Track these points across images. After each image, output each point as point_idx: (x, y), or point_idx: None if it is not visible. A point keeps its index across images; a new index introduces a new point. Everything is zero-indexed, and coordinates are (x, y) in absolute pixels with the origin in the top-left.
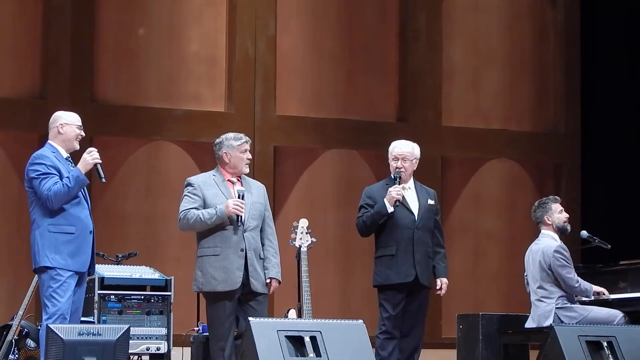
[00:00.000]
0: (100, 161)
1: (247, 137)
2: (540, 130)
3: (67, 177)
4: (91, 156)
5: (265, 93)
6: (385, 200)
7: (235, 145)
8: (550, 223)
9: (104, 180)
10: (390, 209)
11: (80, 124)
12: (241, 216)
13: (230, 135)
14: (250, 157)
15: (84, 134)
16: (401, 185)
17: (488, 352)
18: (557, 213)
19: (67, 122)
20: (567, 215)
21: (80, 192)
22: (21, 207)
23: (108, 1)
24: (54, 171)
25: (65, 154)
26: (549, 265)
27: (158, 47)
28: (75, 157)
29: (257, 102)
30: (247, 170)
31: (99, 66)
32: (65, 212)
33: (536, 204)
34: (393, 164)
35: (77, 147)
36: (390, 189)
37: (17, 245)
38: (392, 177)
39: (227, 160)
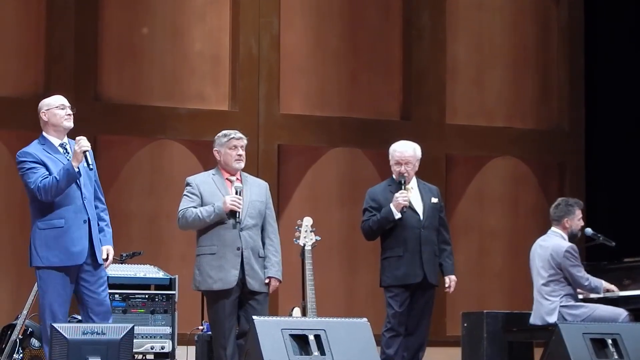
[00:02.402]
0: (89, 149)
1: (237, 133)
2: (544, 128)
3: (59, 170)
4: (79, 146)
5: (269, 91)
6: (391, 206)
7: (224, 142)
8: (567, 227)
9: (91, 167)
10: (398, 215)
11: (63, 102)
12: (239, 212)
13: (222, 132)
14: (241, 153)
15: (70, 112)
16: (407, 190)
17: (492, 350)
18: (577, 219)
19: (47, 107)
20: (583, 223)
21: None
22: (25, 206)
23: (111, 0)
24: (40, 166)
25: (57, 142)
26: (559, 264)
27: (162, 45)
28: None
29: (261, 101)
30: (239, 166)
31: (102, 65)
32: (53, 206)
33: (561, 203)
34: (396, 169)
35: (69, 125)
36: (396, 195)
37: (21, 245)
38: (397, 180)
39: (218, 158)
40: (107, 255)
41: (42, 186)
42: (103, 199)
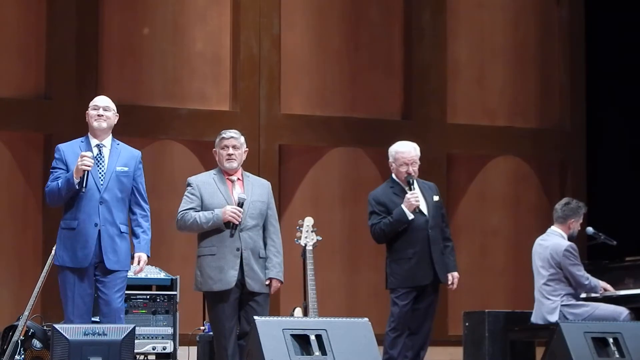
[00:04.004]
0: (89, 168)
1: (228, 132)
2: (545, 127)
3: (63, 177)
4: (81, 162)
5: (270, 91)
6: (403, 207)
7: (217, 142)
8: (571, 228)
9: (83, 190)
10: (411, 216)
11: (96, 103)
12: (237, 224)
13: (220, 132)
14: (231, 152)
15: (101, 113)
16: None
17: (494, 349)
18: (580, 222)
19: (88, 109)
20: (580, 228)
21: (92, 183)
22: (27, 207)
23: (112, 1)
24: (61, 165)
25: (95, 142)
26: (559, 263)
27: (162, 46)
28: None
29: (262, 101)
30: (229, 166)
31: (103, 66)
32: (72, 207)
33: (571, 202)
34: (402, 170)
35: (97, 125)
36: (407, 196)
37: (23, 246)
38: (406, 181)
39: (216, 158)
40: (139, 261)
41: (47, 191)
42: (144, 205)
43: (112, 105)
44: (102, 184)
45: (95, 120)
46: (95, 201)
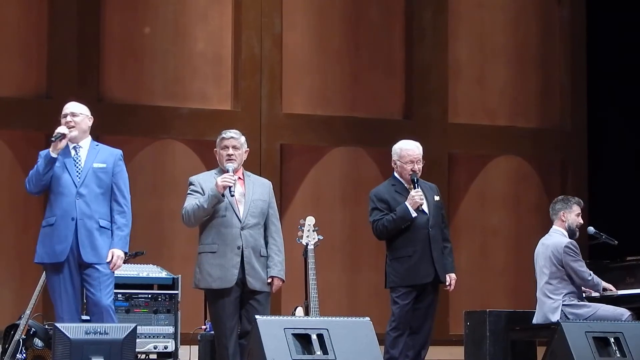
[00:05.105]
0: (61, 132)
1: (228, 133)
2: (546, 127)
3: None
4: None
5: (271, 91)
6: (407, 204)
7: (217, 142)
8: (564, 220)
9: (52, 139)
10: (414, 214)
11: (65, 111)
12: (231, 187)
13: (221, 132)
14: (231, 152)
15: (69, 120)
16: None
17: (495, 349)
18: (575, 215)
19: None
20: (582, 222)
21: (69, 180)
22: (28, 206)
23: (113, 0)
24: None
25: (71, 145)
26: (560, 261)
27: (164, 45)
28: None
29: (263, 100)
30: (230, 167)
31: (104, 65)
32: (50, 204)
33: (560, 198)
34: (408, 167)
35: (69, 133)
36: (412, 194)
37: (25, 245)
38: (411, 179)
39: (217, 157)
40: (112, 257)
41: (27, 179)
42: (121, 201)
43: (81, 109)
44: (78, 180)
45: (65, 126)
46: (72, 197)
